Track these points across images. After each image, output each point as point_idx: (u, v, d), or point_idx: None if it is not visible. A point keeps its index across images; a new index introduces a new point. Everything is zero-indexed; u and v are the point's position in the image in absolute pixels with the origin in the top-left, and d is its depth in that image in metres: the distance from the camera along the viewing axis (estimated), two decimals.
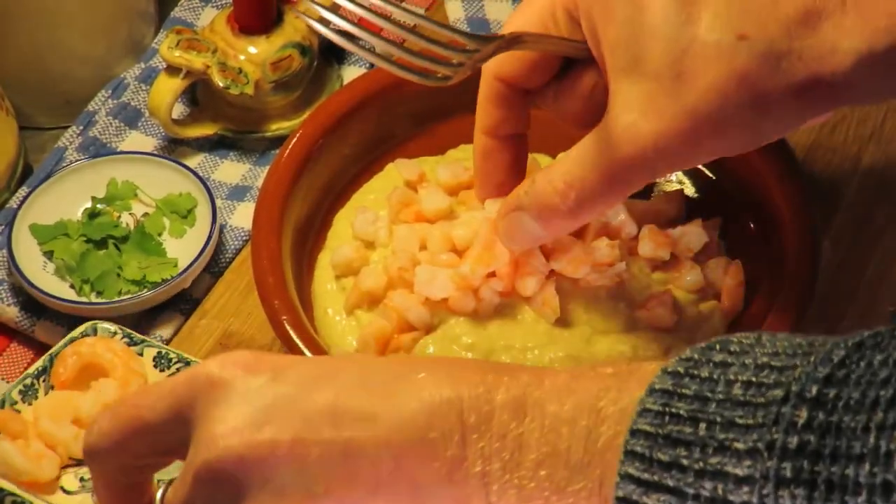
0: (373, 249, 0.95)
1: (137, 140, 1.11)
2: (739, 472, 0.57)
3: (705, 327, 0.92)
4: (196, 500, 0.66)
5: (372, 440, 0.64)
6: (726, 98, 0.73)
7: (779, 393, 0.58)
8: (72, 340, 0.92)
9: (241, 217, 1.05)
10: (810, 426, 0.56)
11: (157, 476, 0.87)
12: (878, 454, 0.55)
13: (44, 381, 0.91)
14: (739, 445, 0.58)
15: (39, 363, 0.92)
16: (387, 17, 0.80)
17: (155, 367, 0.92)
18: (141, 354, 0.93)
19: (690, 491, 0.58)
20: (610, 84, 0.76)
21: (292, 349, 0.88)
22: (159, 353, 0.93)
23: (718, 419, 0.59)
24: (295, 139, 0.98)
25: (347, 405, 0.65)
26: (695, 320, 0.92)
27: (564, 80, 0.85)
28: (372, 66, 1.14)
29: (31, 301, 1.00)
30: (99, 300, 0.99)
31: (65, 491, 0.89)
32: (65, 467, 0.90)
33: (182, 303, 1.01)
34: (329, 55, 1.15)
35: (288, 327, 0.89)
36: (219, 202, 1.05)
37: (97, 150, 1.09)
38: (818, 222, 0.92)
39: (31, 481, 0.87)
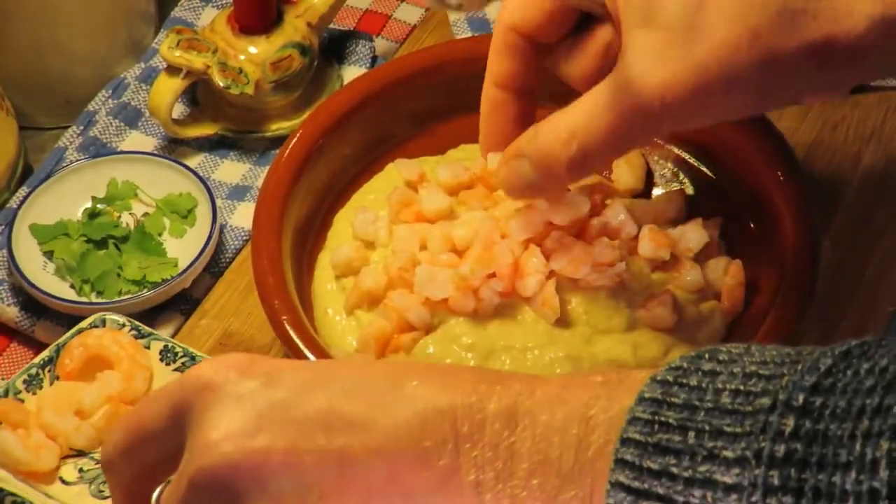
0: (373, 249, 0.95)
1: (137, 140, 1.11)
2: (728, 479, 0.57)
3: (705, 327, 0.92)
4: None
5: (366, 448, 0.64)
6: (738, 53, 0.72)
7: (766, 401, 0.58)
8: (80, 331, 0.93)
9: (241, 217, 1.05)
10: (797, 434, 0.56)
11: None
12: (865, 462, 0.55)
13: (49, 371, 0.92)
14: (728, 454, 0.58)
15: (46, 353, 0.92)
16: None
17: (161, 360, 0.93)
18: (148, 347, 0.93)
19: (680, 499, 0.59)
20: (623, 36, 0.75)
21: (292, 349, 0.88)
22: (165, 346, 0.93)
23: (707, 427, 0.59)
24: (295, 139, 0.98)
25: (341, 412, 0.65)
26: (695, 320, 0.92)
27: (578, 37, 0.85)
28: (372, 65, 1.14)
29: (31, 301, 1.00)
30: (99, 300, 0.99)
31: (63, 482, 0.89)
32: (65, 458, 0.90)
33: (182, 303, 1.01)
34: (329, 55, 1.15)
35: (288, 327, 0.89)
36: (219, 202, 1.05)
37: (97, 150, 1.09)
38: (818, 222, 0.92)
39: (29, 471, 0.88)
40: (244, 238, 1.04)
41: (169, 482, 0.70)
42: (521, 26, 0.86)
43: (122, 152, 1.08)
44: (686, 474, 0.59)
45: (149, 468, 0.70)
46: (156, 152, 1.09)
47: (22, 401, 0.91)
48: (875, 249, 1.01)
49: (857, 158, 1.06)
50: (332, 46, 1.15)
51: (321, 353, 0.87)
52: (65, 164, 1.07)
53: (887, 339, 0.59)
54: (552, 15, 0.84)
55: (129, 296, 0.99)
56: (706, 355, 0.62)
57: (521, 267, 0.90)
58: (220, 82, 1.06)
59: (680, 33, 0.73)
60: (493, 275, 0.89)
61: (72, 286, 1.01)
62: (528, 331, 0.90)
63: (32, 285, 0.98)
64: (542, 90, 1.03)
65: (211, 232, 1.01)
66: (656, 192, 1.01)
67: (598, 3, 0.81)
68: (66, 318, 0.98)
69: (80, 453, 0.90)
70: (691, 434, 0.59)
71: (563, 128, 0.79)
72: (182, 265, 1.01)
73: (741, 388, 0.59)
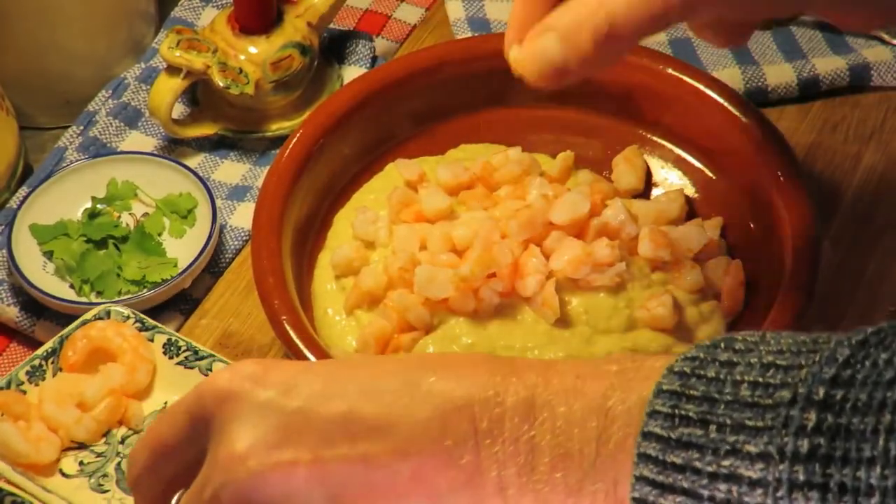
0: (373, 249, 0.95)
1: (137, 140, 1.11)
2: (752, 474, 0.58)
3: (705, 327, 0.92)
4: None
5: (388, 452, 0.64)
6: None
7: (786, 394, 0.58)
8: (84, 323, 0.93)
9: (241, 217, 1.05)
10: (819, 429, 0.57)
11: None
12: (889, 457, 0.55)
13: (52, 362, 0.92)
14: (751, 448, 0.58)
15: (49, 344, 0.93)
16: None
17: (164, 353, 0.93)
18: (151, 340, 0.93)
19: (706, 493, 0.59)
20: None
21: (292, 349, 0.88)
22: (169, 339, 0.93)
23: (728, 421, 0.59)
24: (295, 139, 0.98)
25: (361, 416, 0.65)
26: (695, 320, 0.92)
27: None
28: (372, 65, 1.14)
29: (31, 301, 1.00)
30: (99, 300, 0.99)
31: (63, 474, 0.89)
32: (65, 450, 0.90)
33: (182, 303, 1.01)
34: (329, 55, 1.15)
35: (288, 327, 0.89)
36: (219, 202, 1.05)
37: (97, 150, 1.09)
38: (818, 222, 0.92)
39: (29, 464, 0.88)
40: (244, 238, 1.04)
41: (183, 493, 0.70)
42: None
43: (122, 152, 1.08)
44: (710, 469, 0.59)
45: (171, 481, 0.70)
46: (156, 152, 1.09)
47: (24, 392, 0.91)
48: (875, 249, 1.01)
49: (857, 158, 1.06)
50: (332, 46, 1.15)
51: (321, 353, 0.87)
52: (65, 164, 1.07)
53: None
54: None
55: (129, 296, 0.99)
56: (721, 344, 0.62)
57: (521, 267, 0.90)
58: (220, 82, 1.06)
59: None
60: (493, 275, 0.89)
61: (71, 286, 1.01)
62: (528, 331, 0.90)
63: (32, 285, 0.98)
64: (540, 91, 1.04)
65: (211, 232, 1.00)
66: (656, 192, 1.01)
67: None
68: (66, 318, 0.98)
69: (81, 446, 0.90)
70: (712, 428, 0.59)
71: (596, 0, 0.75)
72: (182, 265, 1.01)
73: (759, 379, 0.59)
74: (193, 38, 1.06)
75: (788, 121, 1.09)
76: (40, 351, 0.92)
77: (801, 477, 0.56)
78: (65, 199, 1.04)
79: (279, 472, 0.64)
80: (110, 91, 1.13)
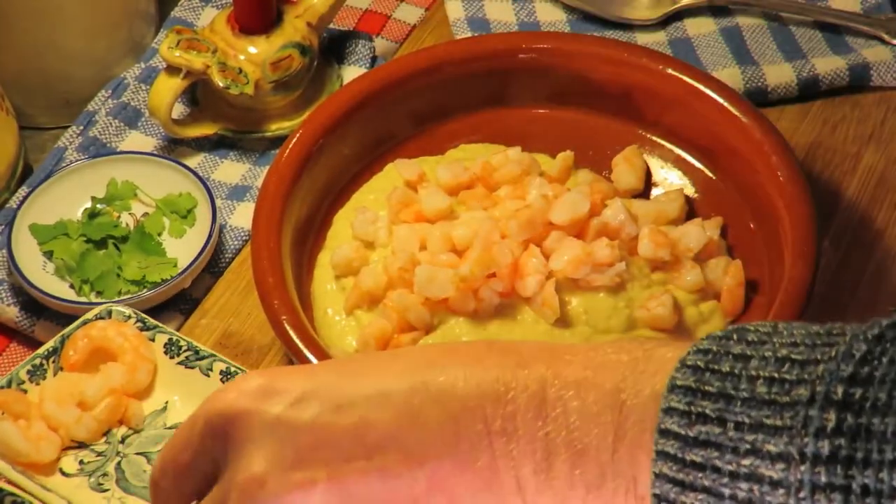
0: (373, 249, 0.95)
1: (137, 140, 1.11)
2: (773, 474, 0.57)
3: (705, 327, 0.92)
4: None
5: (404, 461, 0.64)
6: None
7: (804, 392, 0.58)
8: (85, 322, 0.93)
9: (241, 217, 1.05)
10: (840, 430, 0.56)
11: None
12: None
13: (53, 362, 0.92)
14: (770, 448, 0.58)
15: (50, 343, 0.93)
16: None
17: (165, 353, 0.93)
18: (153, 340, 0.93)
19: (727, 491, 0.59)
20: None
21: (292, 349, 0.88)
22: (170, 339, 0.93)
23: (746, 420, 0.58)
24: (295, 139, 0.98)
25: (373, 425, 0.64)
26: (695, 320, 0.92)
27: None
28: (372, 65, 1.14)
29: (30, 301, 1.00)
30: (99, 300, 0.99)
31: (63, 473, 0.89)
32: (66, 449, 0.90)
33: (182, 303, 1.01)
34: (329, 55, 1.15)
35: (288, 327, 0.89)
36: (219, 202, 1.05)
37: (97, 150, 1.09)
38: (818, 222, 0.92)
39: (29, 462, 0.88)
40: (244, 238, 1.04)
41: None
42: None
43: (121, 152, 1.08)
44: (730, 468, 0.58)
45: (191, 494, 0.70)
46: (156, 152, 1.09)
47: (25, 391, 0.91)
48: (875, 249, 1.01)
49: (857, 158, 1.06)
50: (332, 46, 1.15)
51: (321, 353, 0.87)
52: (65, 164, 1.07)
53: None
54: None
55: (129, 296, 0.99)
56: (734, 336, 0.61)
57: (521, 267, 0.90)
58: (219, 82, 1.06)
59: None
60: (493, 275, 0.89)
61: (71, 286, 1.01)
62: (528, 331, 0.90)
63: (32, 285, 0.98)
64: (540, 91, 1.04)
65: (211, 232, 1.00)
66: (656, 192, 1.01)
67: None
68: (66, 318, 0.98)
69: (81, 445, 0.90)
70: (730, 426, 0.59)
71: None
72: (182, 265, 1.01)
73: (775, 375, 0.59)
74: (193, 38, 1.06)
75: (788, 121, 1.09)
76: (41, 350, 0.92)
77: (823, 479, 0.56)
78: (65, 199, 1.04)
79: (298, 493, 0.64)
80: (110, 91, 1.13)
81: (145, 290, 0.99)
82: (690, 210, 0.98)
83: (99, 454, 0.90)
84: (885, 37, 1.13)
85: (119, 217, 1.04)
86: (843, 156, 1.07)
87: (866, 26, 1.13)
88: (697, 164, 1.01)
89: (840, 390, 0.57)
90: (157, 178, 1.05)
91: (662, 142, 1.02)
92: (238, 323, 1.00)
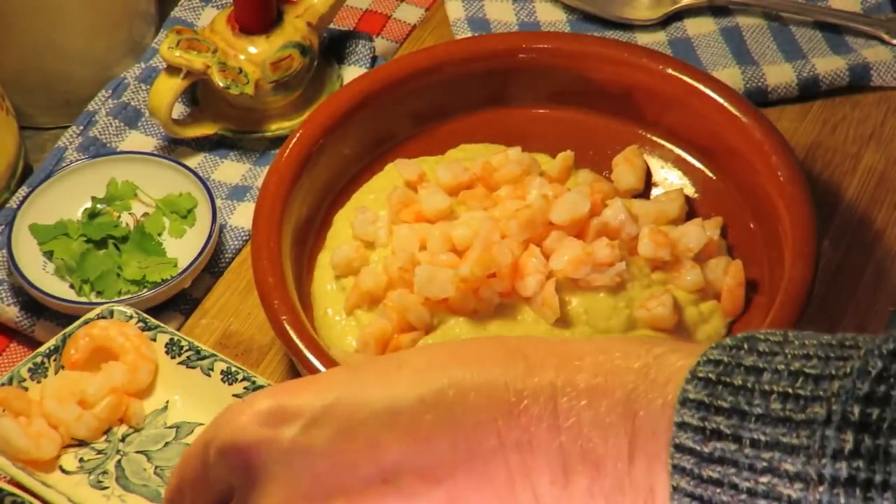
0: (373, 249, 0.95)
1: (137, 140, 1.11)
2: (792, 493, 0.57)
3: (705, 327, 0.92)
4: None
5: (421, 482, 0.63)
6: None
7: (820, 411, 0.57)
8: (87, 322, 0.93)
9: (241, 217, 1.05)
10: (858, 452, 0.56)
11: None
12: None
13: (55, 360, 0.92)
14: (788, 467, 0.57)
15: (52, 342, 0.93)
16: None
17: (167, 353, 0.93)
18: (154, 340, 0.93)
19: None
20: None
21: (292, 349, 0.88)
22: (171, 339, 0.93)
23: (762, 438, 0.58)
24: (295, 139, 0.98)
25: (387, 444, 0.63)
26: (695, 320, 0.92)
27: None
28: (372, 65, 1.14)
29: (31, 301, 1.00)
30: (99, 300, 0.99)
31: (63, 471, 0.89)
32: (66, 447, 0.90)
33: (182, 303, 1.01)
34: (329, 55, 1.15)
35: (288, 327, 0.89)
36: (219, 202, 1.05)
37: (97, 150, 1.09)
38: (818, 222, 0.92)
39: (29, 459, 0.88)
40: (244, 238, 1.04)
41: None
42: None
43: (122, 152, 1.08)
44: (748, 485, 0.58)
45: None
46: (156, 152, 1.09)
47: (26, 389, 0.91)
48: (875, 249, 1.01)
49: (857, 158, 1.06)
50: (332, 46, 1.15)
51: (321, 353, 0.87)
52: (65, 164, 1.07)
53: None
54: None
55: (129, 296, 0.99)
56: (745, 346, 0.61)
57: (521, 267, 0.90)
58: (220, 82, 1.06)
59: None
60: (493, 275, 0.89)
61: (71, 286, 1.01)
62: (528, 331, 0.90)
63: (32, 285, 0.98)
64: (540, 91, 1.04)
65: (211, 232, 1.00)
66: (656, 192, 1.01)
67: None
68: (66, 318, 0.98)
69: (82, 443, 0.91)
70: (746, 442, 0.58)
71: None
72: (182, 265, 1.01)
73: (789, 390, 0.58)
74: (193, 38, 1.06)
75: (788, 121, 1.09)
76: (43, 348, 0.92)
77: (842, 500, 0.56)
78: (65, 199, 1.04)
79: None
80: (110, 91, 1.13)
81: (145, 290, 0.99)
82: (690, 210, 0.98)
83: (99, 452, 0.90)
84: (885, 37, 1.13)
85: (119, 217, 1.04)
86: (843, 156, 1.07)
87: (866, 26, 1.13)
88: (697, 164, 1.01)
89: (857, 410, 0.56)
90: (157, 178, 1.05)
91: (662, 142, 1.02)
92: (238, 323, 1.00)
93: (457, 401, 0.63)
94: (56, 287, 1.00)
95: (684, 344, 0.64)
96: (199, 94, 1.12)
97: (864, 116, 1.09)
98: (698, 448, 0.59)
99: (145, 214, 1.04)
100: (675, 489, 0.60)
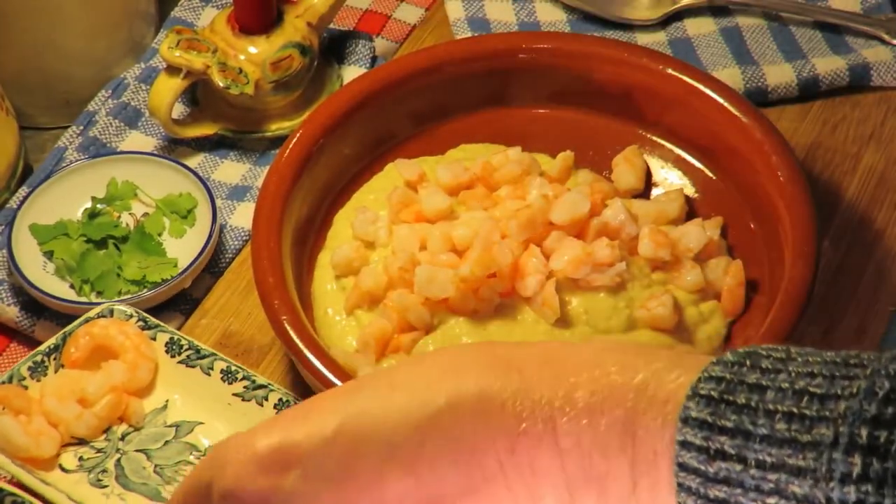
0: (373, 249, 0.95)
1: (137, 140, 1.11)
2: None
3: (705, 327, 0.92)
4: None
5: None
6: None
7: (826, 433, 0.56)
8: (87, 320, 0.93)
9: (241, 217, 1.05)
10: (866, 476, 0.55)
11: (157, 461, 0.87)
12: None
13: (55, 359, 0.92)
14: (795, 489, 0.57)
15: (52, 340, 0.93)
16: None
17: (167, 352, 0.93)
18: (154, 339, 0.94)
19: None
20: None
21: (292, 349, 0.88)
22: (171, 338, 0.93)
23: (768, 459, 0.57)
24: (295, 139, 0.98)
25: (390, 479, 0.63)
26: (695, 320, 0.92)
27: None
28: (372, 65, 1.14)
29: (31, 301, 1.00)
30: (99, 300, 0.99)
31: (63, 469, 0.89)
32: (65, 446, 0.90)
33: (182, 303, 1.01)
34: (329, 55, 1.15)
35: (288, 327, 0.89)
36: (219, 202, 1.05)
37: (97, 150, 1.09)
38: (818, 222, 0.92)
39: (29, 457, 0.88)
40: (244, 238, 1.04)
41: None
42: None
43: (122, 152, 1.08)
44: None
45: None
46: (156, 152, 1.09)
47: (26, 387, 0.91)
48: (875, 249, 1.01)
49: (857, 158, 1.06)
50: (332, 46, 1.15)
51: (321, 353, 0.87)
52: (65, 164, 1.07)
53: None
54: None
55: (129, 296, 0.99)
56: (747, 362, 0.60)
57: (521, 267, 0.90)
58: (220, 82, 1.06)
59: None
60: (493, 275, 0.89)
61: (71, 286, 1.01)
62: (528, 331, 0.90)
63: (32, 285, 0.98)
64: (540, 91, 1.04)
65: (211, 232, 1.00)
66: (656, 192, 1.01)
67: None
68: (66, 318, 0.98)
69: (81, 441, 0.91)
70: (751, 463, 0.58)
71: None
72: (182, 265, 1.01)
73: (794, 410, 0.57)
74: (193, 38, 1.06)
75: (788, 121, 1.09)
76: (43, 347, 0.93)
77: None
78: (65, 199, 1.04)
79: None
80: (110, 91, 1.13)
81: (145, 290, 0.99)
82: (690, 210, 0.98)
83: (99, 451, 0.90)
84: (885, 37, 1.13)
85: (119, 217, 1.04)
86: (843, 156, 1.07)
87: (866, 26, 1.13)
88: (697, 164, 1.01)
89: (864, 433, 0.56)
90: (158, 178, 1.05)
91: (662, 142, 1.02)
92: (238, 323, 1.00)
93: (454, 425, 0.63)
94: (56, 287, 1.00)
95: (683, 355, 0.63)
96: (199, 94, 1.12)
97: (864, 116, 1.09)
98: (703, 468, 0.59)
99: (145, 214, 1.04)
100: None
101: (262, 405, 0.90)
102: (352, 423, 0.64)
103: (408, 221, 0.95)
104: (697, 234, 0.94)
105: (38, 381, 0.92)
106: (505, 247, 0.90)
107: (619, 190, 0.99)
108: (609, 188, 0.98)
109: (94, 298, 1.00)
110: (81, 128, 1.10)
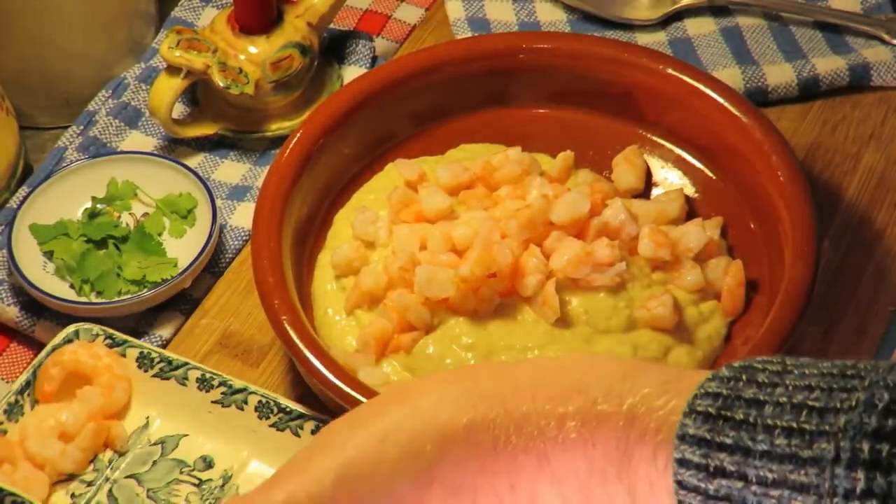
0: (373, 249, 0.95)
1: (137, 140, 1.11)
2: None
3: (705, 327, 0.92)
4: None
5: None
6: None
7: (827, 447, 0.56)
8: (54, 349, 0.92)
9: (241, 217, 1.05)
10: (871, 491, 0.55)
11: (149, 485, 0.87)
12: None
13: (28, 395, 0.91)
14: None
15: (23, 377, 0.91)
16: None
17: (139, 367, 0.92)
18: (124, 355, 0.93)
19: None
20: None
21: (292, 349, 0.88)
22: (141, 352, 0.92)
23: (769, 476, 0.57)
24: (295, 139, 0.98)
25: None
26: (695, 320, 0.92)
27: None
28: (372, 65, 1.14)
29: (31, 301, 1.00)
30: (99, 300, 0.99)
31: None
32: (55, 484, 0.89)
33: (182, 303, 1.01)
34: (329, 55, 1.15)
35: (288, 327, 0.89)
36: (219, 202, 1.05)
37: (97, 150, 1.09)
38: (818, 222, 0.92)
39: None
40: (244, 238, 1.04)
41: None
42: None
43: (122, 152, 1.08)
44: None
45: None
46: (156, 152, 1.09)
47: (4, 431, 0.90)
48: (875, 249, 1.01)
49: (857, 158, 1.06)
50: (332, 46, 1.15)
51: (321, 353, 0.87)
52: (65, 164, 1.07)
53: None
54: None
55: (129, 296, 0.99)
56: (743, 377, 0.60)
57: (522, 267, 0.90)
58: (220, 82, 1.06)
59: None
60: (493, 275, 0.89)
61: (71, 286, 1.01)
62: (528, 331, 0.90)
63: (32, 285, 0.98)
64: (540, 91, 1.04)
65: (211, 232, 1.00)
66: (656, 192, 1.01)
67: None
68: (66, 318, 0.98)
69: (70, 477, 0.90)
70: (752, 478, 0.57)
71: None
72: (182, 265, 1.01)
73: (794, 425, 0.57)
74: (193, 38, 1.06)
75: (788, 121, 1.09)
76: (15, 386, 0.91)
77: None
78: (65, 199, 1.04)
79: None
80: (110, 91, 1.13)
81: (145, 290, 0.99)
82: (690, 210, 0.98)
83: (89, 484, 0.89)
84: (885, 37, 1.13)
85: (119, 217, 1.04)
86: (843, 156, 1.07)
87: (866, 26, 1.13)
88: (697, 164, 1.01)
89: (866, 447, 0.55)
90: (158, 178, 1.05)
91: (663, 142, 1.02)
92: (238, 323, 1.00)
93: (450, 471, 0.64)
94: (56, 287, 1.00)
95: (673, 376, 0.62)
96: (199, 94, 1.12)
97: (864, 116, 1.09)
98: (703, 485, 0.58)
99: (145, 214, 1.04)
100: None
101: (242, 409, 0.90)
102: (350, 470, 0.65)
103: (408, 221, 0.95)
104: (697, 234, 0.94)
105: (16, 422, 0.90)
106: (505, 247, 0.90)
107: (619, 190, 0.99)
108: (609, 188, 0.98)
109: (94, 298, 1.00)
110: (81, 128, 1.10)
